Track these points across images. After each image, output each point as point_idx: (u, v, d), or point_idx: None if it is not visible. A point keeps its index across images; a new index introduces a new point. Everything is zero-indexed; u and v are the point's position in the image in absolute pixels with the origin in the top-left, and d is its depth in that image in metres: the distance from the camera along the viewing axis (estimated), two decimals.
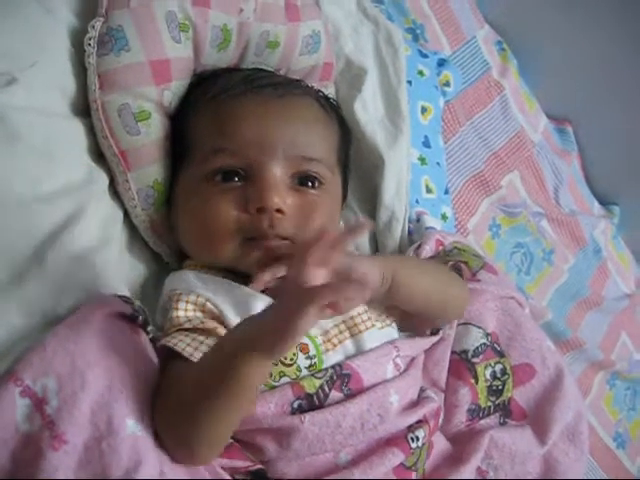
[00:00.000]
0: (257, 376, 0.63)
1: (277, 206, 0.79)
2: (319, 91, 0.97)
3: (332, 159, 0.89)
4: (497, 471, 0.87)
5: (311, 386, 0.75)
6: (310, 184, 0.84)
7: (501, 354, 0.92)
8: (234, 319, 0.76)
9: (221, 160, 0.82)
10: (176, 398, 0.67)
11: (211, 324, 0.76)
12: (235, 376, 0.62)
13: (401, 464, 0.76)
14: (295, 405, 0.74)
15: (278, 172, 0.81)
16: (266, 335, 0.60)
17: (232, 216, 0.80)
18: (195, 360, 0.70)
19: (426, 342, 0.90)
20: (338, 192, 0.91)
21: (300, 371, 0.76)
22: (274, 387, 0.75)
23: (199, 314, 0.77)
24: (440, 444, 0.87)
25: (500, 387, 0.89)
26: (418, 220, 1.11)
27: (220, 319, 0.77)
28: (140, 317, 0.73)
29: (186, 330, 0.75)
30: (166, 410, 0.66)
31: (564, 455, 0.90)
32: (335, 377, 0.76)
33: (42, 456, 0.59)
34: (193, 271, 0.84)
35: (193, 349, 0.72)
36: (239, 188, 0.81)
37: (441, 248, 1.05)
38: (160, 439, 0.66)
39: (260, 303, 0.78)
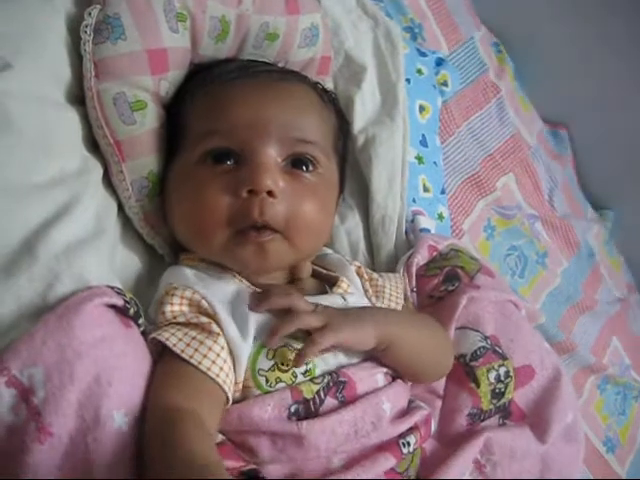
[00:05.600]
0: None
1: (268, 188, 0.76)
2: (317, 82, 0.95)
3: (328, 145, 0.87)
4: (495, 468, 0.86)
5: (309, 391, 0.73)
6: (304, 167, 0.82)
7: (504, 357, 0.91)
8: (227, 319, 0.75)
9: (213, 142, 0.80)
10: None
11: (205, 319, 0.74)
12: None
13: (392, 469, 0.75)
14: (292, 409, 0.72)
15: (271, 154, 0.79)
16: None
17: (223, 201, 0.77)
18: (185, 356, 0.69)
19: None
20: (334, 179, 0.89)
21: (296, 377, 0.74)
22: (270, 391, 0.73)
23: (193, 310, 0.76)
24: (430, 446, 0.85)
25: (502, 390, 0.89)
26: (412, 220, 1.09)
27: (214, 317, 0.75)
28: (132, 309, 0.72)
29: (178, 324, 0.74)
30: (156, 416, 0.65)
31: (559, 454, 0.90)
32: (331, 384, 0.75)
33: (27, 448, 0.58)
34: (189, 267, 0.82)
35: (185, 345, 0.71)
36: (231, 171, 0.79)
37: (435, 254, 1.04)
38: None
39: None
